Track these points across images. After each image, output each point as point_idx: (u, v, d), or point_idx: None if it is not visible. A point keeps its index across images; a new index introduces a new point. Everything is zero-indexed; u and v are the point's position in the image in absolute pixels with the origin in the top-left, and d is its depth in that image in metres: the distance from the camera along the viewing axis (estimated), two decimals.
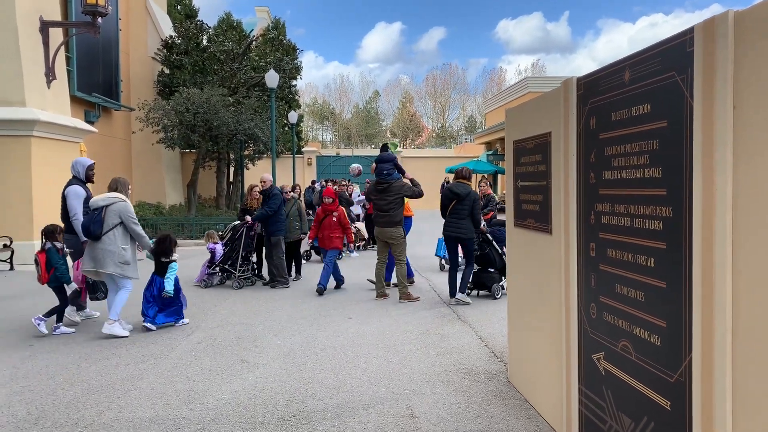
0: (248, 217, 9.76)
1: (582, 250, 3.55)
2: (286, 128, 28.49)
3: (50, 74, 14.07)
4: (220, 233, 11.14)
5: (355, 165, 14.56)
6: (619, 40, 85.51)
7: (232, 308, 8.11)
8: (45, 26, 13.97)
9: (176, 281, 7.07)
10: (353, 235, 13.51)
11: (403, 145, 66.55)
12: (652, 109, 2.76)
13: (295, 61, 28.68)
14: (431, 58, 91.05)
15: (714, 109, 2.32)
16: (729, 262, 2.26)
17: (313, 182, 23.30)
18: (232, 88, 22.38)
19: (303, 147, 36.00)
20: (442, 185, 18.68)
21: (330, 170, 34.54)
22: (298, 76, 26.63)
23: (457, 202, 8.04)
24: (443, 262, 11.31)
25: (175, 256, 7.21)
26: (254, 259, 10.37)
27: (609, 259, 3.20)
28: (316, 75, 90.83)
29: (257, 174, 26.01)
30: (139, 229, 6.78)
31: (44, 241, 6.83)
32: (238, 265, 9.69)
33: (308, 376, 5.23)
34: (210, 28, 24.13)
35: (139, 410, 4.44)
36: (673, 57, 2.59)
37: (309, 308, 8.09)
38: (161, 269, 7.06)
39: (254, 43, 25.34)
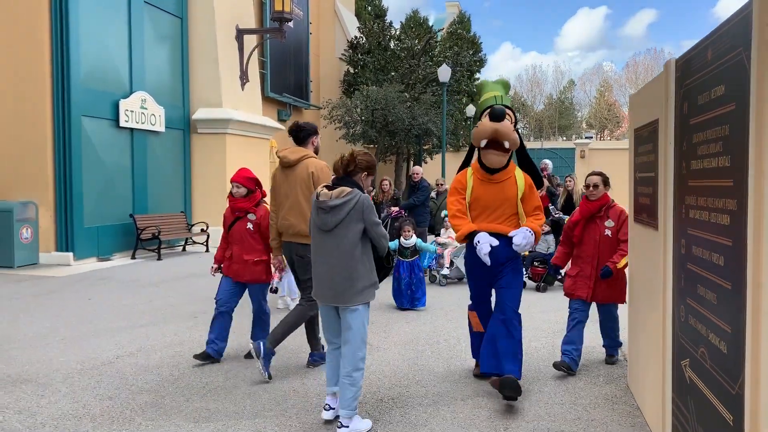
0: (394, 208, 10.04)
1: (676, 247, 3.26)
2: (468, 122, 28.61)
3: (244, 77, 15.64)
4: None
5: (546, 161, 13.08)
6: None
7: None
8: (240, 34, 15.55)
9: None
10: None
11: (600, 137, 63.22)
12: (725, 91, 2.48)
13: (479, 54, 28.67)
14: (638, 42, 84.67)
15: (766, 86, 2.04)
16: None
17: None
18: (410, 85, 23.01)
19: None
20: None
21: None
22: (478, 71, 26.57)
23: None
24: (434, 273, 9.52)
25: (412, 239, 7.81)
26: None
27: (694, 257, 2.92)
28: (513, 67, 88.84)
29: (434, 168, 26.48)
30: None
31: None
32: None
33: (422, 363, 5.35)
34: (392, 27, 25.01)
35: (258, 380, 4.89)
36: (740, 31, 2.30)
37: (448, 299, 8.17)
38: (400, 253, 7.77)
39: (436, 38, 25.77)
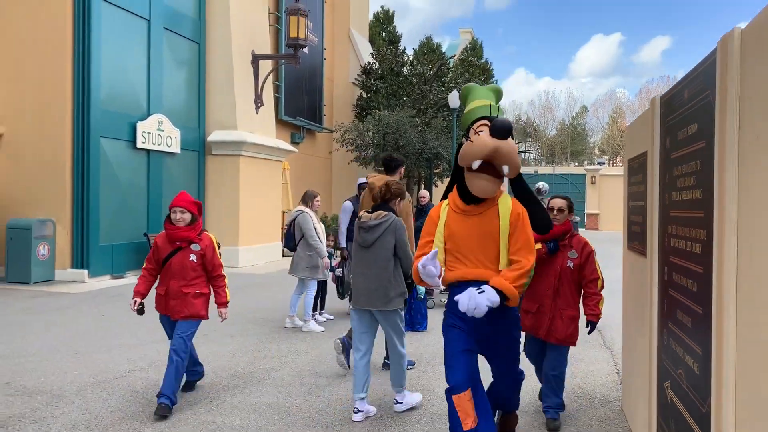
0: None
1: (660, 274, 3.43)
2: None
3: (258, 101, 16.01)
4: None
5: (542, 183, 14.12)
6: None
7: None
8: (255, 59, 15.95)
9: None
10: None
11: (612, 163, 63.33)
12: (698, 129, 2.67)
13: (491, 81, 29.01)
14: (652, 69, 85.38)
15: (726, 128, 2.23)
16: (733, 289, 2.16)
17: None
18: (421, 109, 23.35)
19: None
20: None
21: None
22: None
23: None
24: None
25: None
26: None
27: (674, 283, 3.09)
28: (527, 92, 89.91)
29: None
30: (313, 239, 7.59)
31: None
32: None
33: (423, 383, 5.50)
34: (405, 53, 25.43)
35: (264, 396, 5.07)
36: (709, 75, 2.50)
37: None
38: None
39: (448, 65, 26.14)
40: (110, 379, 5.46)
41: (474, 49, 32.00)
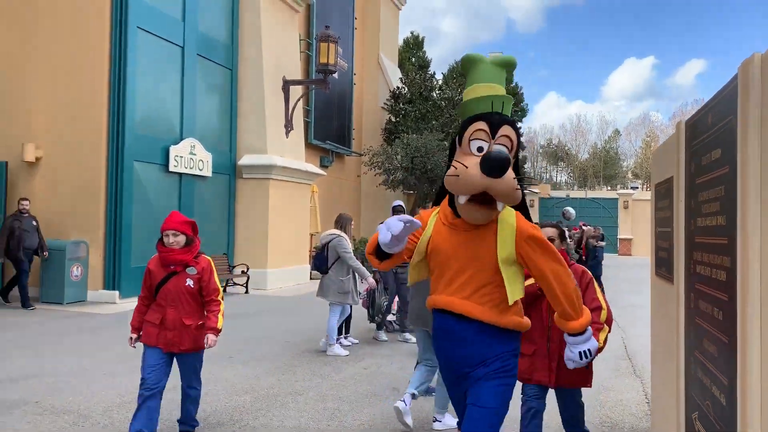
0: None
1: (686, 301, 3.36)
2: None
3: (288, 126, 16.23)
4: None
5: (568, 208, 14.21)
6: None
7: (407, 340, 8.59)
8: (286, 85, 16.21)
9: None
10: None
11: (646, 187, 62.52)
12: (721, 154, 2.63)
13: (521, 104, 28.98)
14: (687, 93, 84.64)
15: (748, 153, 2.20)
16: (757, 318, 2.11)
17: None
18: (449, 133, 23.41)
19: (527, 189, 35.85)
20: None
21: (552, 212, 33.82)
22: (519, 120, 26.88)
23: None
24: None
25: None
26: None
27: (700, 311, 3.01)
28: (558, 115, 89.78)
29: None
30: (353, 261, 7.62)
31: None
32: None
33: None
34: (434, 78, 25.59)
35: (287, 420, 5.07)
36: (732, 99, 2.47)
37: None
38: None
39: None
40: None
41: None
